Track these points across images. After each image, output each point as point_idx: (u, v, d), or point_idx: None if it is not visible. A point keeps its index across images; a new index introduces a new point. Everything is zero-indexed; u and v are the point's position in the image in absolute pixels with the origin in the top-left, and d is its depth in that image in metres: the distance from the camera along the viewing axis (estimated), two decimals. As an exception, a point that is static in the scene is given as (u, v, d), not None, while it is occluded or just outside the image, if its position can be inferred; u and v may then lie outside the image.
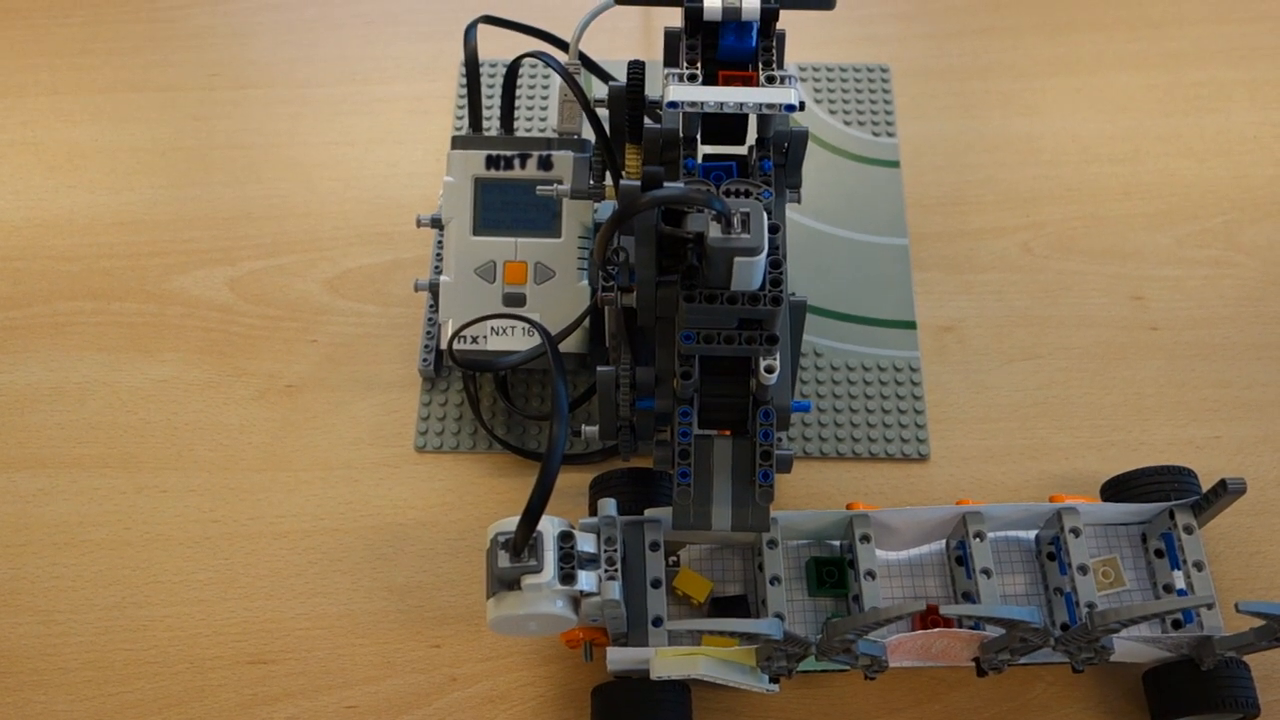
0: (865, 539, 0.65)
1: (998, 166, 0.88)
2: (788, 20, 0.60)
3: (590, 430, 0.68)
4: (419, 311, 0.81)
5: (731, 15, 0.59)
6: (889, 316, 0.81)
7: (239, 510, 0.74)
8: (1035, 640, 0.60)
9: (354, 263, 0.83)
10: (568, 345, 0.72)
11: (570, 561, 0.57)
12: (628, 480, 0.68)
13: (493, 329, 0.72)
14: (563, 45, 0.76)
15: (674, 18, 0.62)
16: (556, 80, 0.83)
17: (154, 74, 0.92)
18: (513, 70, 0.73)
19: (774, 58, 0.60)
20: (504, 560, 0.56)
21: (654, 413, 0.61)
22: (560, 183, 0.70)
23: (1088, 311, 0.82)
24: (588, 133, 0.71)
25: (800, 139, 0.63)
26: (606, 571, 0.59)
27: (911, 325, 0.81)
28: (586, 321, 0.72)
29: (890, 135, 0.89)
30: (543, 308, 0.72)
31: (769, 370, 0.55)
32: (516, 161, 0.73)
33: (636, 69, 0.64)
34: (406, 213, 0.85)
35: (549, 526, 0.57)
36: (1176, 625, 0.65)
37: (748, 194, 0.57)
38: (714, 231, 0.52)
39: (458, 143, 0.74)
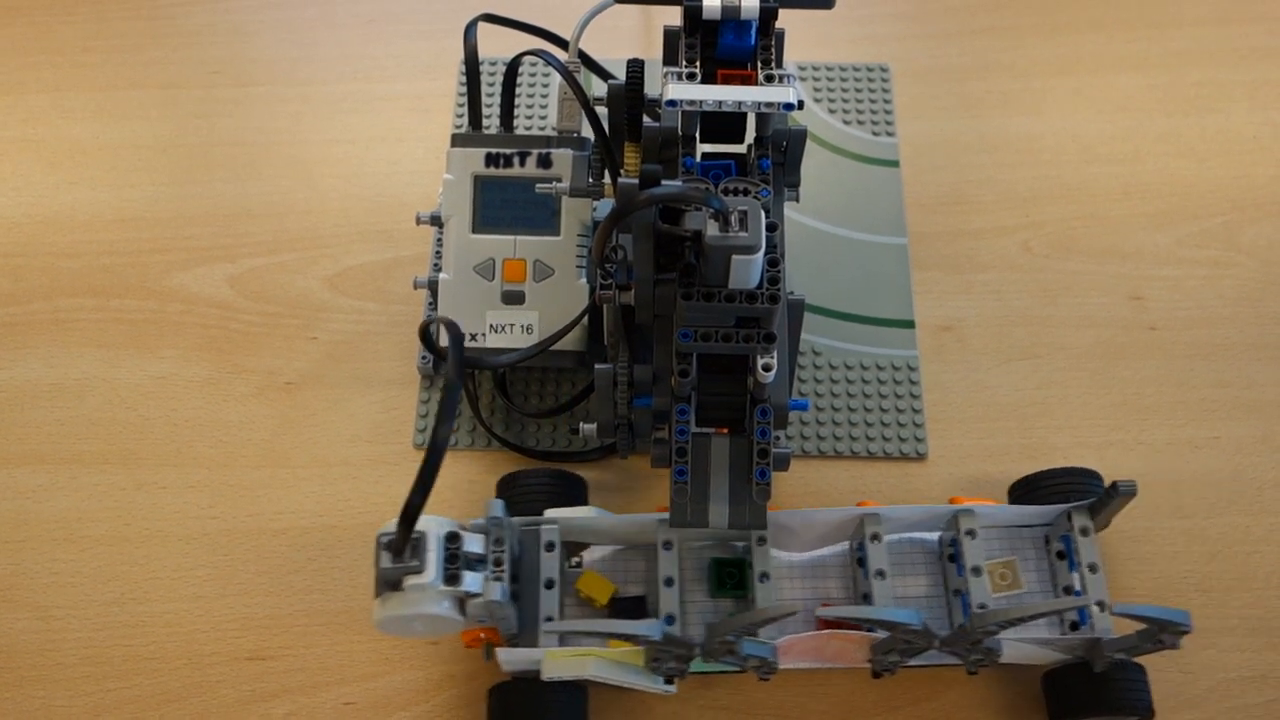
0: (761, 541, 0.65)
1: (997, 166, 0.88)
2: (787, 19, 0.60)
3: (589, 428, 0.68)
4: (418, 309, 0.81)
5: (731, 14, 0.59)
6: (888, 316, 0.81)
7: (238, 507, 0.74)
8: (919, 642, 0.60)
9: (354, 260, 0.83)
10: (566, 343, 0.72)
11: (456, 562, 0.57)
12: (548, 480, 0.69)
13: (491, 326, 0.72)
14: (563, 44, 0.76)
15: (673, 16, 0.62)
16: (556, 78, 0.83)
17: (155, 71, 0.92)
18: (512, 68, 0.73)
19: (773, 56, 0.60)
20: (386, 560, 0.56)
21: (652, 411, 0.61)
22: (559, 180, 0.70)
23: (1087, 311, 0.82)
24: (587, 131, 0.71)
25: (799, 138, 0.63)
26: (493, 573, 0.59)
27: (910, 324, 0.81)
28: (585, 319, 0.72)
29: (890, 135, 0.89)
30: (541, 305, 0.72)
31: (766, 369, 0.55)
32: (516, 159, 0.73)
33: (635, 68, 0.65)
34: (407, 210, 0.85)
35: (434, 527, 0.57)
36: (1074, 627, 0.65)
37: (746, 192, 0.57)
38: (711, 229, 0.52)
39: (457, 140, 0.74)
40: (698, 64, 0.59)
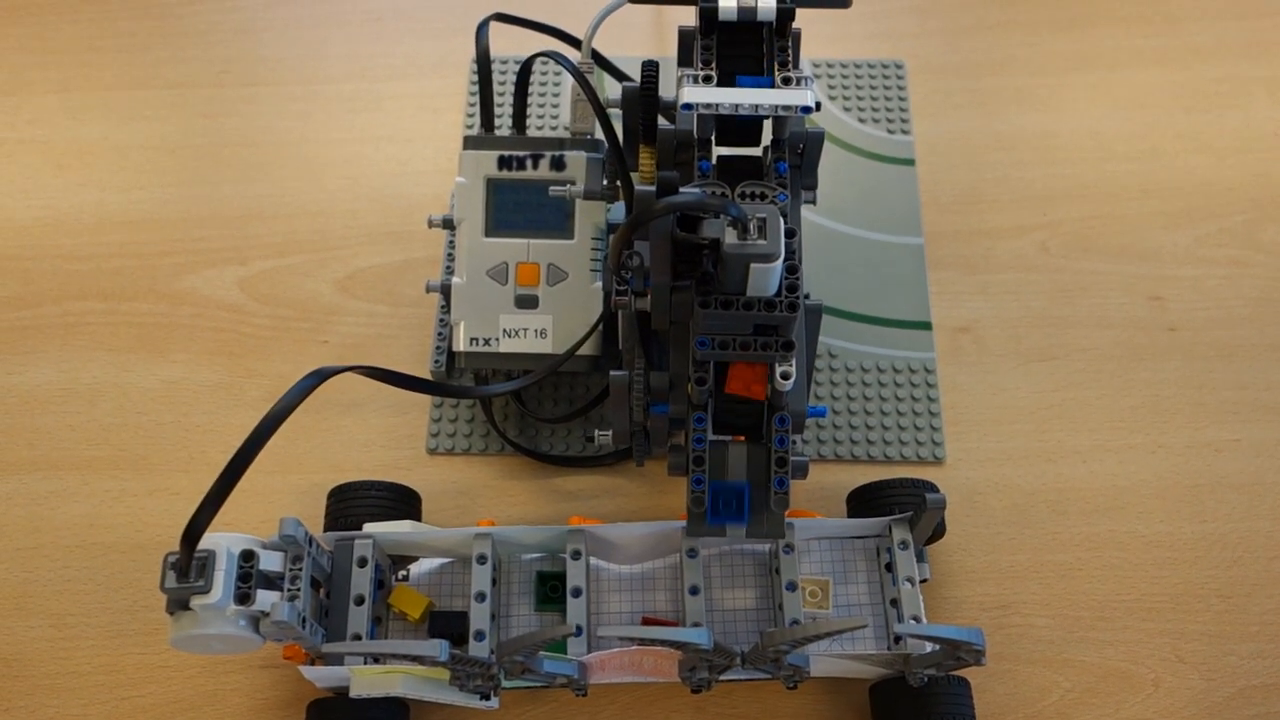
0: (576, 555, 0.64)
1: (1014, 164, 0.87)
2: (801, 17, 0.59)
3: (604, 435, 0.67)
4: (430, 312, 0.80)
5: (747, 14, 0.58)
6: (904, 317, 0.80)
7: (251, 513, 0.73)
8: (719, 659, 0.59)
9: (365, 262, 0.83)
10: (582, 348, 0.71)
11: (249, 581, 0.56)
12: (386, 492, 0.68)
13: (505, 331, 0.72)
14: (575, 42, 0.75)
15: (688, 16, 0.61)
16: (569, 78, 0.82)
17: (163, 71, 0.92)
18: (525, 70, 0.72)
19: (789, 58, 0.59)
20: (171, 580, 0.55)
21: (668, 418, 0.60)
22: (573, 183, 0.70)
23: (1105, 312, 0.81)
24: (600, 133, 0.70)
25: (816, 140, 0.63)
26: (289, 591, 0.58)
27: (927, 326, 0.80)
28: (600, 324, 0.71)
29: (905, 133, 0.88)
30: (555, 309, 0.72)
31: (785, 376, 0.54)
32: (529, 162, 0.72)
33: (650, 70, 0.64)
34: (417, 211, 0.84)
35: (227, 545, 0.57)
36: (899, 641, 0.64)
37: (763, 197, 0.56)
38: (730, 237, 0.51)
39: (470, 143, 0.73)
40: (713, 66, 0.58)
